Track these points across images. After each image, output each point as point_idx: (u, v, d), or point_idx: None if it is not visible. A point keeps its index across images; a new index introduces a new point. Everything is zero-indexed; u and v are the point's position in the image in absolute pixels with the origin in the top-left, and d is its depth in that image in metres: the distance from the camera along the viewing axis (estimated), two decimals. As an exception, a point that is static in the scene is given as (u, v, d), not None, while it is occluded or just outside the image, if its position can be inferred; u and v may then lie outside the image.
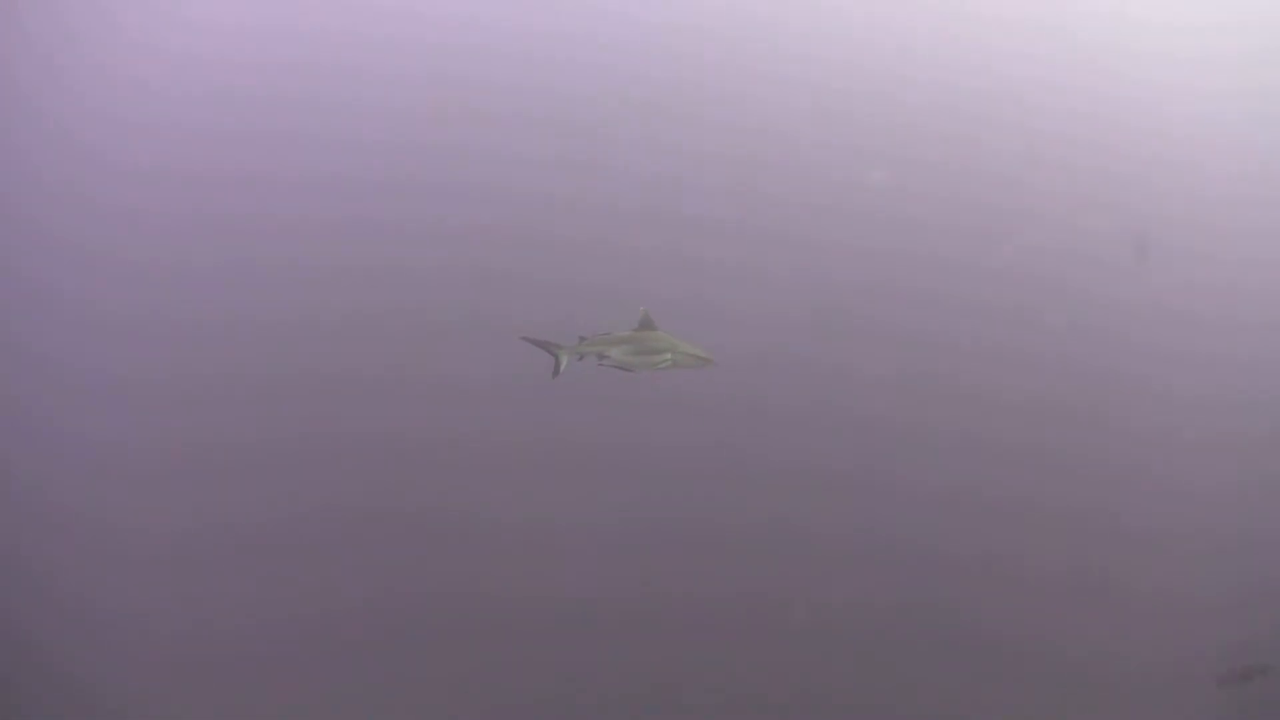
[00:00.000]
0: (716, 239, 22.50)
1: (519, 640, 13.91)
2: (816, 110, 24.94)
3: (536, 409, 17.40)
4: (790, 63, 25.22)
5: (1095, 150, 25.22)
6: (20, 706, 12.55)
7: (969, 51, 25.47)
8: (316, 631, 14.03)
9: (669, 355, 9.46)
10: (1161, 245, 23.01)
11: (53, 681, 12.81)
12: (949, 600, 14.73)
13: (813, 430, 18.39)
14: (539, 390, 15.60)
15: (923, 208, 24.15)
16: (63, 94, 21.10)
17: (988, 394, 19.92)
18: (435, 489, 16.15)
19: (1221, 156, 24.90)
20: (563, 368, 9.74)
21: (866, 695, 13.42)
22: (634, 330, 9.56)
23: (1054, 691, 13.49)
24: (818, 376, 20.22)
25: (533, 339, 9.74)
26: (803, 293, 21.90)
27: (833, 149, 24.20)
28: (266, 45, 22.67)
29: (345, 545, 15.35)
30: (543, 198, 21.83)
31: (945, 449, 18.20)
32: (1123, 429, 19.46)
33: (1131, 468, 18.13)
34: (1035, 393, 19.89)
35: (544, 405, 17.26)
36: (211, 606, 13.97)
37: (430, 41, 23.57)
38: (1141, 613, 14.96)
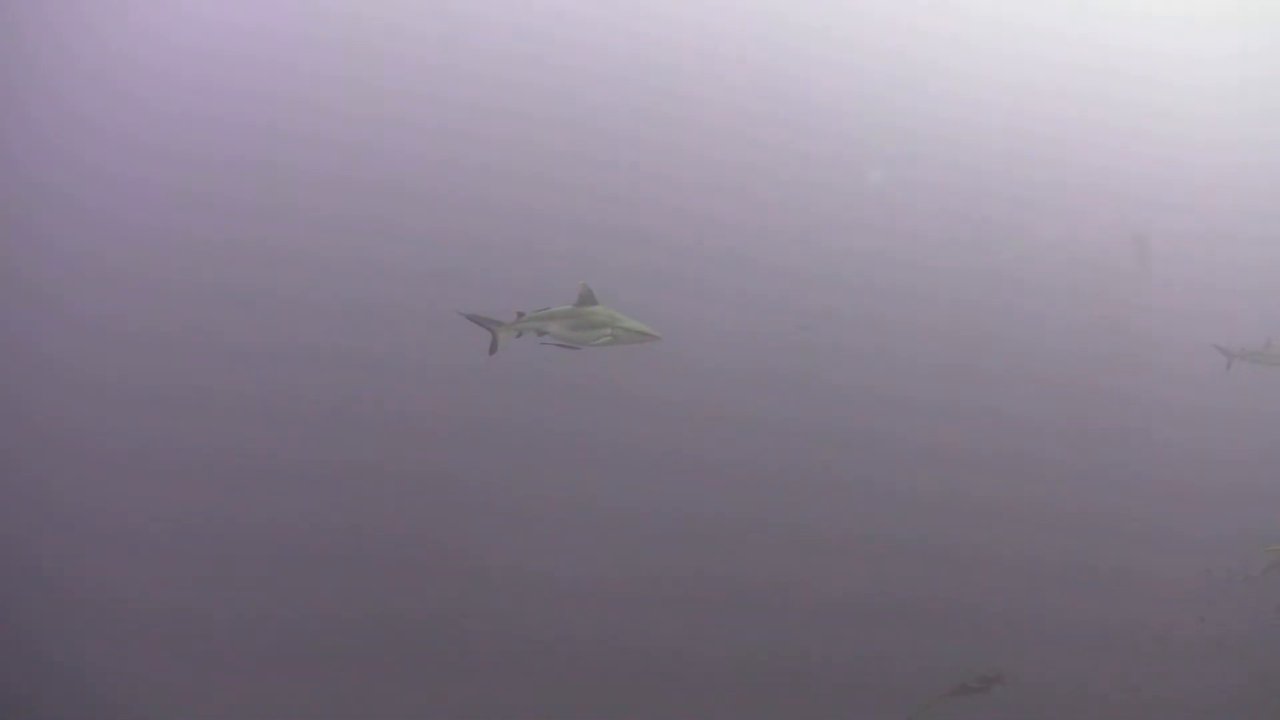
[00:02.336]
0: (715, 241, 22.28)
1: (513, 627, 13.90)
2: (814, 111, 24.37)
3: (526, 396, 17.73)
4: (788, 64, 24.68)
5: (1094, 151, 24.45)
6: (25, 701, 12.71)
7: (968, 55, 24.79)
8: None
9: (609, 330, 8.98)
10: (1160, 245, 22.25)
11: (57, 677, 12.95)
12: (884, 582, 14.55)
13: (798, 428, 18.29)
14: (523, 378, 15.90)
15: (920, 210, 23.64)
16: (71, 119, 21.67)
17: (971, 400, 19.56)
18: (417, 471, 16.36)
19: (1220, 154, 23.93)
20: (500, 344, 9.36)
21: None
22: (574, 305, 9.13)
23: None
24: (808, 375, 20.08)
25: (472, 315, 9.37)
26: (797, 293, 21.68)
27: (829, 149, 23.75)
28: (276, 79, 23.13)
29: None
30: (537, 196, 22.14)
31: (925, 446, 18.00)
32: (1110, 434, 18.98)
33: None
34: (1025, 401, 19.53)
35: (535, 393, 17.60)
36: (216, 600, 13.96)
37: (412, 59, 23.78)
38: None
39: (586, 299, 9.13)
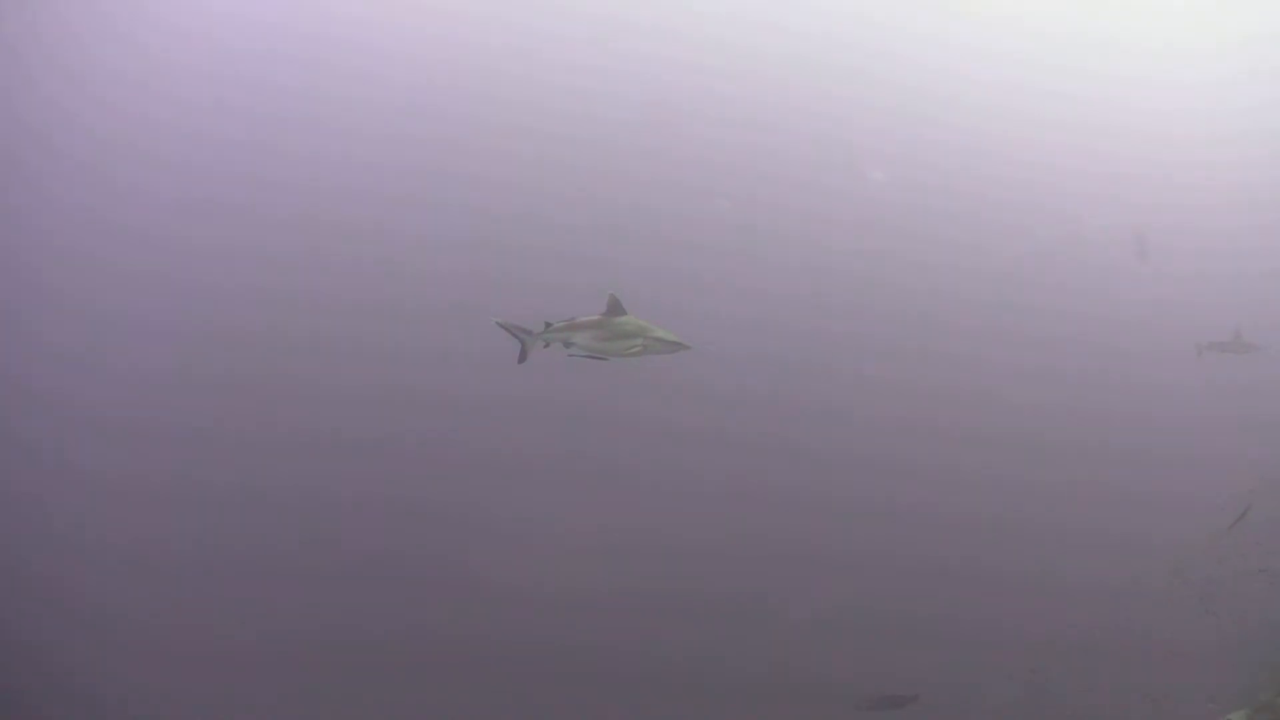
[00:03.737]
0: (715, 242, 22.46)
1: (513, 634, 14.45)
2: (815, 110, 24.62)
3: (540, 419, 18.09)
4: (791, 63, 24.92)
5: (1094, 152, 25.07)
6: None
7: (969, 56, 25.27)
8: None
9: (639, 341, 8.93)
10: (1160, 245, 22.85)
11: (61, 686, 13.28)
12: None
13: (799, 439, 18.64)
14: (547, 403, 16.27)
15: (919, 211, 24.03)
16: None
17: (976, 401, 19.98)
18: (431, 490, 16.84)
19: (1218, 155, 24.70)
20: (529, 354, 9.30)
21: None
22: (602, 315, 9.09)
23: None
24: (806, 378, 20.37)
25: (504, 323, 9.30)
26: (795, 295, 21.91)
27: (831, 149, 24.03)
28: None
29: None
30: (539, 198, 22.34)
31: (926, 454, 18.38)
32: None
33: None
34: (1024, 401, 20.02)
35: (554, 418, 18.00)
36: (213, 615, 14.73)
37: (413, 73, 24.06)
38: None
39: (615, 309, 9.05)
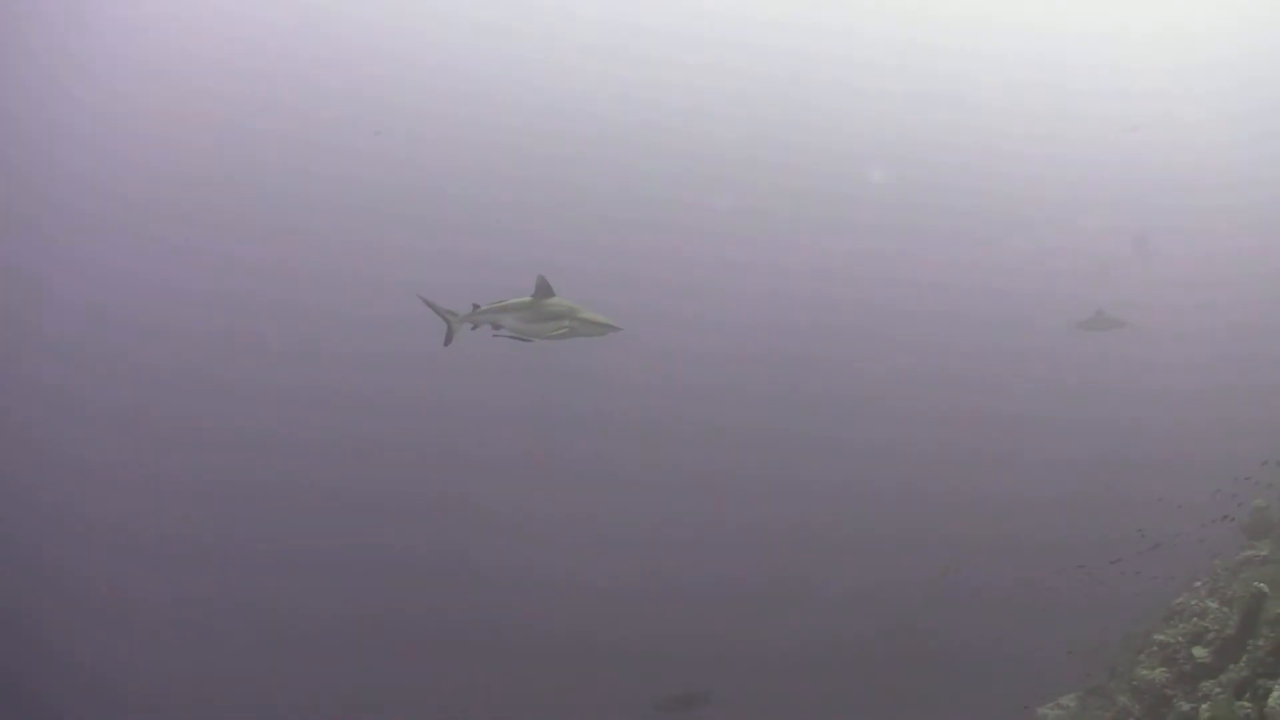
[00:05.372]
0: (711, 240, 22.51)
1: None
2: (814, 110, 24.49)
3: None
4: (787, 68, 24.79)
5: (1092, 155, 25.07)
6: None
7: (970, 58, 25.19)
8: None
9: (566, 322, 8.80)
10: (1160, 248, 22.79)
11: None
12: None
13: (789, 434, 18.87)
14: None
15: (917, 211, 24.02)
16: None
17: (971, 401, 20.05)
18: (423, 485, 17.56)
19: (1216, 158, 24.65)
20: (456, 335, 9.17)
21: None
22: (531, 297, 8.96)
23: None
24: (801, 378, 20.50)
25: (428, 301, 9.18)
26: (785, 298, 21.98)
27: (829, 150, 23.94)
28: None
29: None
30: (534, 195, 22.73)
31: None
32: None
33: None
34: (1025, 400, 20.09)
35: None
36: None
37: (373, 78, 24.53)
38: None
39: (544, 291, 8.94)
